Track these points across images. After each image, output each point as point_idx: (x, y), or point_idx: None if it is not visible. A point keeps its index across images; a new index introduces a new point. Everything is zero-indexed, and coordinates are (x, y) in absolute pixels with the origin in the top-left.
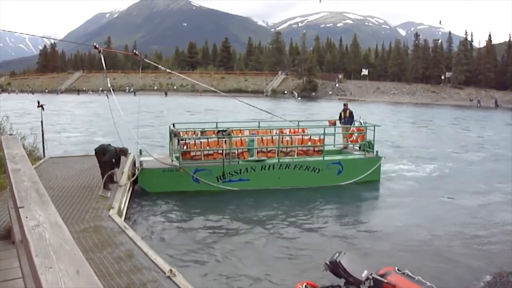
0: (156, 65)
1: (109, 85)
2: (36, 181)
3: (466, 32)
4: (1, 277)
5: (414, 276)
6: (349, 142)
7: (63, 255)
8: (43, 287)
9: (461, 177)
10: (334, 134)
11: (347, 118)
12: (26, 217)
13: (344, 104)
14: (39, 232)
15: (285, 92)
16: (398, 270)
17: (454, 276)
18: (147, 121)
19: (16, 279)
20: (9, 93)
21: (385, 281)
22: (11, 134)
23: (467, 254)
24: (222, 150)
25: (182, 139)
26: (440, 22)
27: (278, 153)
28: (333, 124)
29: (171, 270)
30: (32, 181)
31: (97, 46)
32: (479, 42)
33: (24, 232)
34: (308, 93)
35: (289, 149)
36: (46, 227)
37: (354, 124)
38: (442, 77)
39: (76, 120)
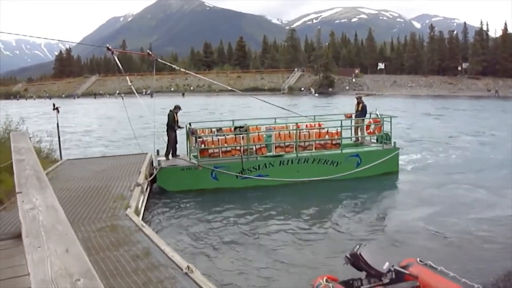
0: (171, 65)
1: (129, 83)
2: (39, 170)
3: (481, 22)
4: (11, 274)
5: (436, 267)
6: (366, 134)
7: (54, 235)
8: (29, 267)
9: (483, 166)
10: (350, 127)
11: (359, 111)
12: (23, 201)
13: (357, 98)
14: (34, 214)
15: (302, 89)
16: (420, 261)
17: (477, 266)
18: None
19: (26, 275)
20: (26, 99)
21: (407, 272)
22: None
23: (491, 245)
24: (240, 147)
25: (200, 137)
26: None
27: (296, 148)
28: (349, 117)
29: (188, 267)
30: (34, 169)
31: (109, 47)
32: (495, 31)
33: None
34: (325, 89)
35: (307, 143)
36: (41, 210)
37: (370, 116)
38: (459, 68)
39: (93, 124)
